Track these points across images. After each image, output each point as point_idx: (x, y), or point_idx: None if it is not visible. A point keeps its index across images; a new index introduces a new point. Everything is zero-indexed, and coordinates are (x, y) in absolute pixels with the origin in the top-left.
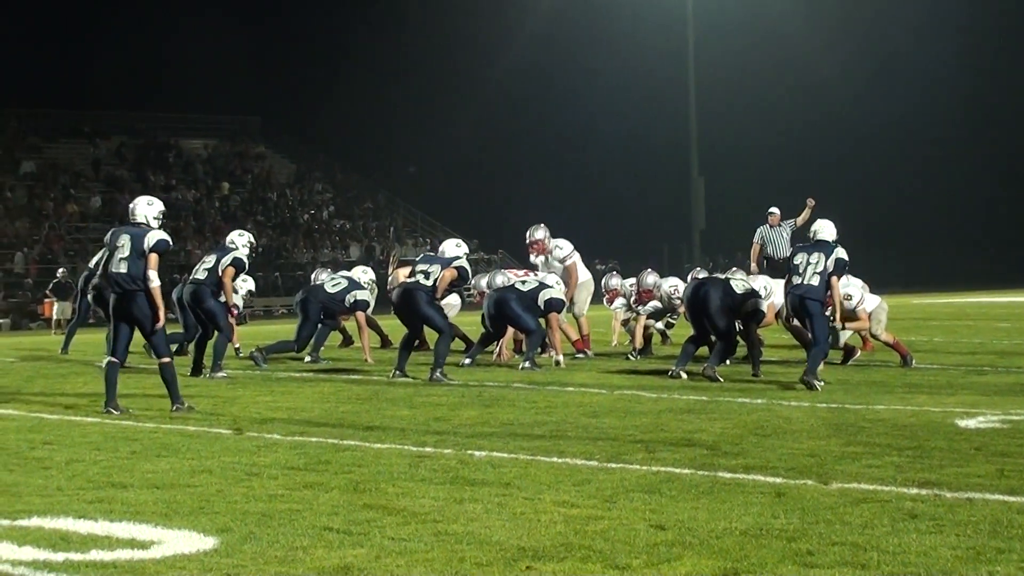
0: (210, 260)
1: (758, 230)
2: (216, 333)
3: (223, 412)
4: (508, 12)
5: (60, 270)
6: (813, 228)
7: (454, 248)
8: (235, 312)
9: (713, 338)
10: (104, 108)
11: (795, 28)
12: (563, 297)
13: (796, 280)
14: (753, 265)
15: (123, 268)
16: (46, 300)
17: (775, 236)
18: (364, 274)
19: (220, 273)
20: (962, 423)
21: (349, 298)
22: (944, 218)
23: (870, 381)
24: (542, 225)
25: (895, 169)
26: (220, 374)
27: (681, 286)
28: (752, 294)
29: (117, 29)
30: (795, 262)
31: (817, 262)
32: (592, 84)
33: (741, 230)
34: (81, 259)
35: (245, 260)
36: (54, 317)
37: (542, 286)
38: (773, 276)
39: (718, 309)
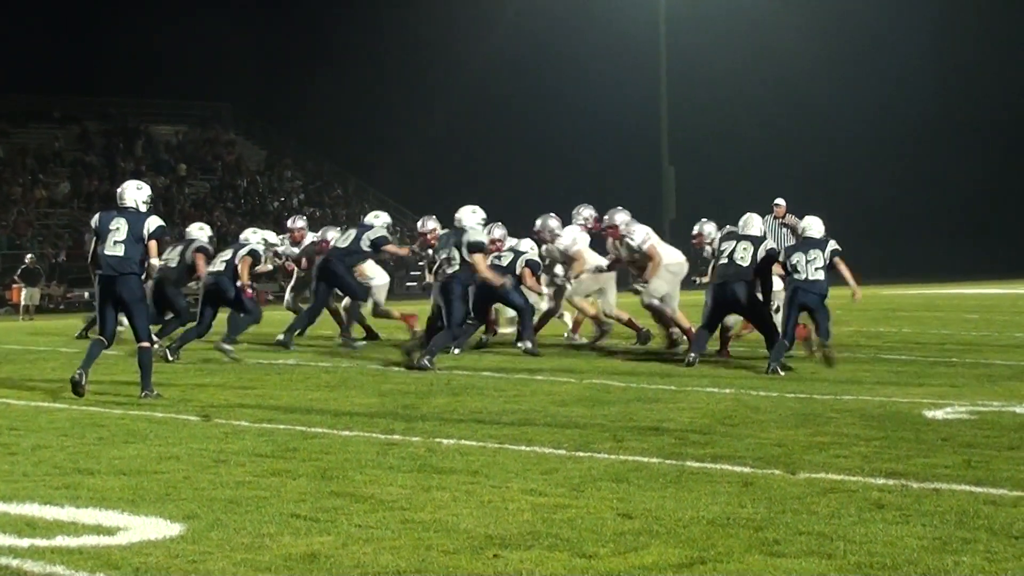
0: (227, 253)
1: (764, 219)
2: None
3: (191, 398)
4: (480, 2)
5: (28, 256)
6: (802, 226)
7: (470, 216)
8: (249, 293)
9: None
10: (73, 93)
11: (770, 16)
12: (538, 260)
13: (798, 278)
14: None
15: (119, 251)
16: (14, 286)
17: (778, 229)
18: (376, 218)
19: (237, 262)
20: (929, 414)
21: (364, 241)
22: (920, 209)
23: (837, 371)
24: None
25: (870, 159)
26: (229, 348)
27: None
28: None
29: (88, 13)
30: (792, 262)
31: (815, 259)
32: (563, 73)
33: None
34: (49, 244)
35: (261, 252)
36: (22, 303)
37: (517, 254)
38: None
39: (750, 304)
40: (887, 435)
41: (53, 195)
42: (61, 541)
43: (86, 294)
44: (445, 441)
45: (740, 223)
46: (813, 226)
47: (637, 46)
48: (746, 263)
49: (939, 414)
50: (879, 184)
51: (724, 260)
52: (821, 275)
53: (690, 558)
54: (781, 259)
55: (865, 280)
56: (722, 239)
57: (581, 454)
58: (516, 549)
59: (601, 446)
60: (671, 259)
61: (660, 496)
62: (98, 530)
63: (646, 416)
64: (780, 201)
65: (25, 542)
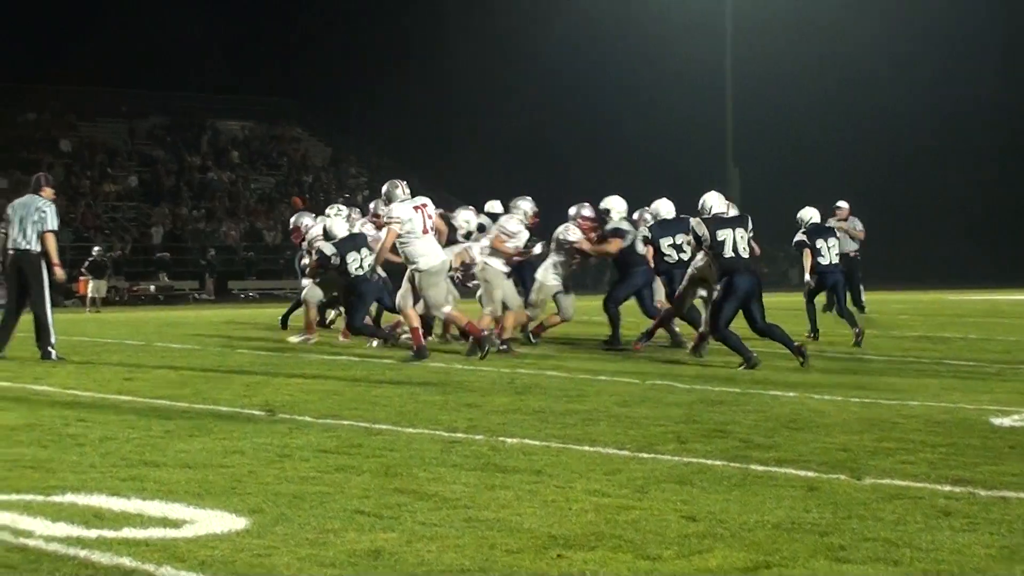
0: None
1: (827, 221)
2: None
3: (256, 393)
4: (549, 4)
5: (95, 248)
6: (808, 216)
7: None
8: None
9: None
10: (141, 87)
11: (837, 17)
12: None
13: (822, 261)
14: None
15: None
16: (81, 278)
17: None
18: None
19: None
20: (996, 421)
21: None
22: (985, 212)
23: (904, 377)
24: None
25: (938, 162)
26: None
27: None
28: None
29: (156, 8)
30: (817, 247)
31: (833, 245)
32: (628, 73)
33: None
34: (117, 238)
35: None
36: (89, 295)
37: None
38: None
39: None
40: (953, 441)
41: (121, 189)
42: (128, 533)
43: (152, 287)
44: (508, 440)
45: (710, 206)
46: (817, 214)
47: (703, 47)
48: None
49: (1006, 421)
50: (946, 187)
51: (729, 252)
52: (838, 259)
53: (755, 562)
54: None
55: (929, 284)
56: (712, 228)
57: (645, 455)
58: (579, 550)
59: (665, 447)
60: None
61: (724, 499)
62: (164, 522)
63: (710, 418)
64: (843, 204)
65: (93, 533)
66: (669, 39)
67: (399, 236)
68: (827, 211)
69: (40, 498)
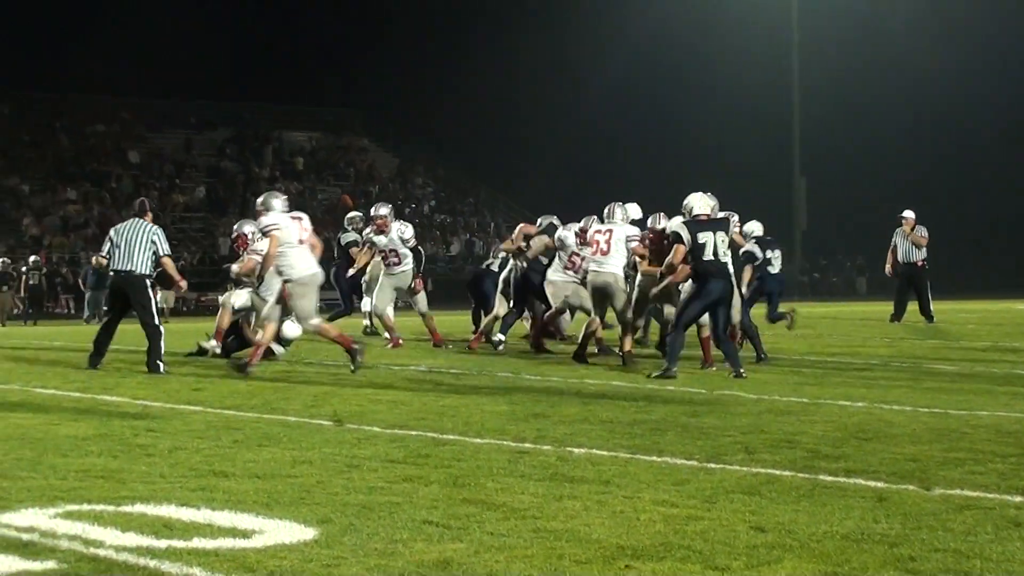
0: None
1: (895, 232)
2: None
3: (324, 403)
4: (616, 11)
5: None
6: (751, 230)
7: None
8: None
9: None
10: (209, 99)
11: (902, 26)
12: None
13: (772, 271)
14: (888, 268)
15: None
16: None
17: (905, 240)
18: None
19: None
20: None
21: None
22: None
23: (973, 387)
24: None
25: (1007, 171)
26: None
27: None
28: None
29: (223, 19)
30: (768, 257)
31: (778, 256)
32: (695, 85)
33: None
34: (185, 248)
35: None
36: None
37: None
38: (904, 281)
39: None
40: None
41: (189, 200)
42: (197, 543)
43: (219, 298)
44: (576, 450)
45: (691, 207)
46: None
47: (770, 55)
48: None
49: None
50: (1016, 195)
51: (708, 256)
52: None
53: (824, 573)
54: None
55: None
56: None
57: (713, 465)
58: (648, 560)
59: (733, 458)
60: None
61: (793, 510)
62: (233, 532)
63: (778, 428)
64: (909, 214)
65: (163, 543)
66: (735, 48)
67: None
68: (892, 219)
69: (110, 508)
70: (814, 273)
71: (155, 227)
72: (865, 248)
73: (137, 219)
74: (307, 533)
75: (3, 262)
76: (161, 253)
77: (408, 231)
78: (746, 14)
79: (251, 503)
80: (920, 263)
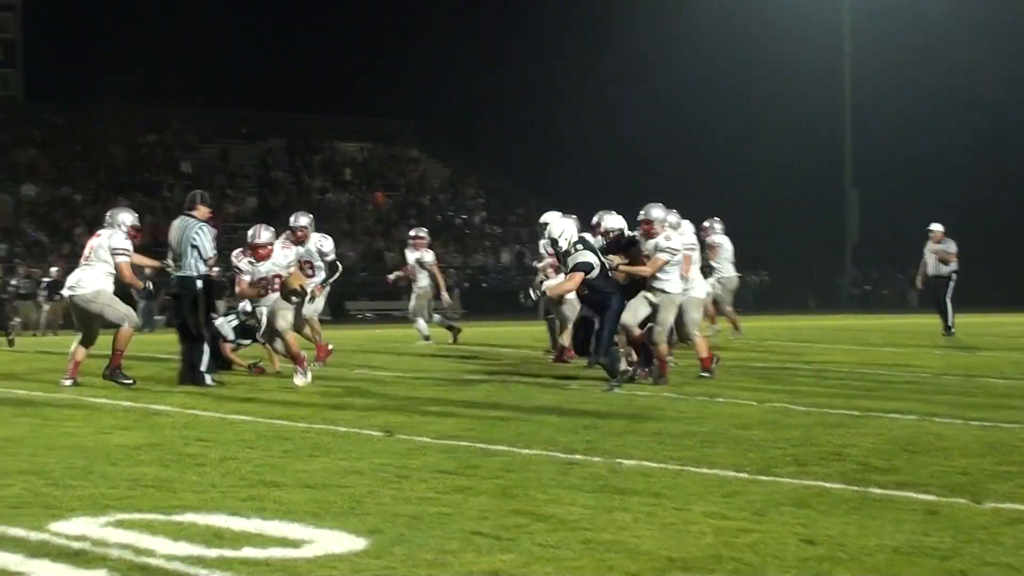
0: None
1: (925, 246)
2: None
3: (374, 414)
4: (668, 24)
5: (215, 269)
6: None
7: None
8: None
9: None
10: (260, 110)
11: (955, 36)
12: None
13: None
14: (918, 280)
15: None
16: None
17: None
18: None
19: None
20: None
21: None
22: None
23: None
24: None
25: None
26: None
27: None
28: None
29: (274, 32)
30: None
31: None
32: (746, 96)
33: (895, 243)
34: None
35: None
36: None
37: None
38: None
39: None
40: None
41: (241, 210)
42: (248, 552)
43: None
44: (626, 462)
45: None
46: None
47: (821, 65)
48: None
49: None
50: None
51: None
52: None
53: None
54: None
55: None
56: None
57: (763, 478)
58: (698, 572)
59: (783, 470)
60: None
61: (843, 522)
62: (284, 542)
63: (828, 440)
64: (937, 226)
65: (213, 552)
66: (786, 59)
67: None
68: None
69: (161, 517)
70: (865, 286)
71: (200, 224)
72: (918, 260)
73: (185, 216)
74: (357, 543)
75: (55, 271)
76: (204, 256)
77: (327, 244)
78: (797, 25)
79: (302, 513)
80: (948, 276)
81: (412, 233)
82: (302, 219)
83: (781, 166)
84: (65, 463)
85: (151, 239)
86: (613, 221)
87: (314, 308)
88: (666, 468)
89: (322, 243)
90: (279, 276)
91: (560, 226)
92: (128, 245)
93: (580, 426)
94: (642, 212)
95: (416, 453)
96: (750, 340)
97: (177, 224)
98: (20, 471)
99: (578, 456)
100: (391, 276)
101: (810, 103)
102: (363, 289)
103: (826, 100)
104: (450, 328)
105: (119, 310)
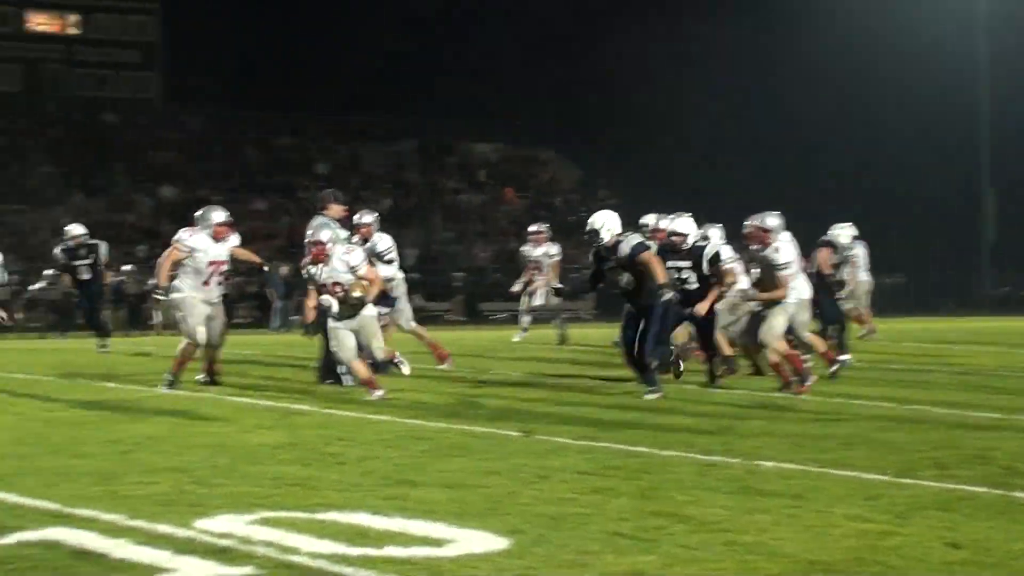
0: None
1: None
2: None
3: (511, 414)
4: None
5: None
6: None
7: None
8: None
9: None
10: (393, 112)
11: None
12: None
13: None
14: None
15: None
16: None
17: None
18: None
19: None
20: None
21: None
22: None
23: None
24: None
25: None
26: None
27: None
28: None
29: (410, 35)
30: None
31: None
32: (878, 93)
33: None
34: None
35: None
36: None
37: None
38: None
39: None
40: None
41: (377, 211)
42: (391, 551)
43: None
44: (765, 463)
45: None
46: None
47: (958, 62)
48: None
49: None
50: None
51: None
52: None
53: None
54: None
55: None
56: None
57: (905, 480)
58: (841, 575)
59: (925, 473)
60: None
61: (988, 527)
62: (426, 541)
63: (970, 443)
64: None
65: (356, 551)
66: (919, 56)
67: None
68: None
69: (304, 515)
70: (1004, 287)
71: (325, 220)
72: None
73: (318, 216)
74: (499, 543)
75: None
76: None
77: (383, 243)
78: (931, 20)
79: (443, 512)
80: None
81: (533, 229)
82: (366, 216)
83: (915, 167)
84: (208, 462)
85: (286, 240)
86: (682, 225)
87: (403, 316)
88: (807, 471)
89: (378, 243)
90: (339, 283)
91: (603, 217)
92: (196, 242)
93: (716, 427)
94: (755, 219)
95: (554, 454)
96: (886, 342)
97: (314, 223)
98: (166, 468)
99: (716, 457)
100: (516, 287)
101: (945, 103)
102: (496, 290)
103: (961, 99)
104: (562, 334)
105: (187, 325)
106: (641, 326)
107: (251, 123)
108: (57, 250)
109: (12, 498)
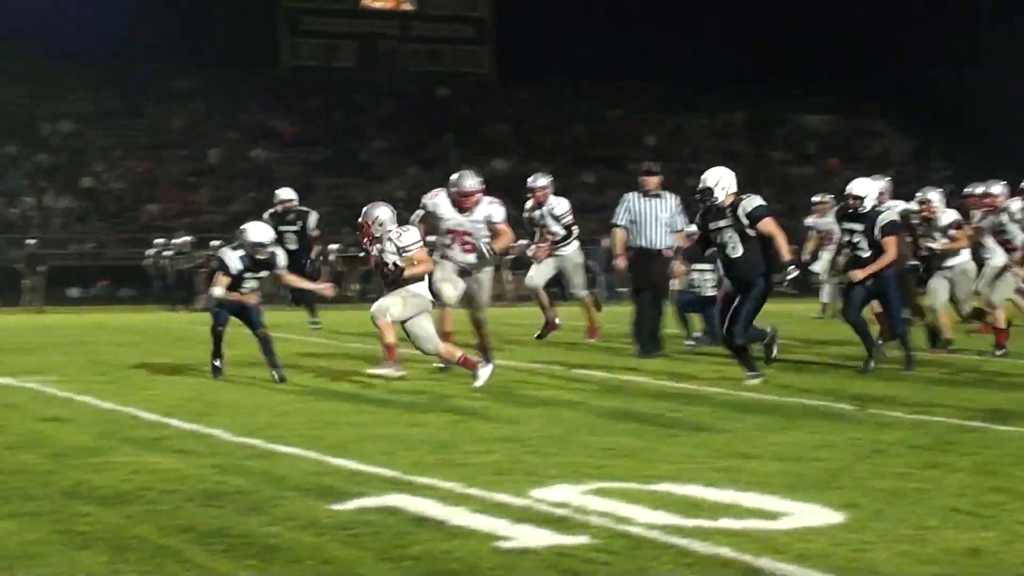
0: None
1: None
2: None
3: (846, 386)
4: None
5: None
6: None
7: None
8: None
9: None
10: (727, 84)
11: None
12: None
13: None
14: None
15: None
16: None
17: None
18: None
19: None
20: None
21: None
22: None
23: None
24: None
25: None
26: None
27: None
28: None
29: (744, 8)
30: None
31: None
32: None
33: None
34: None
35: None
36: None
37: None
38: None
39: None
40: None
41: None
42: (725, 523)
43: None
44: None
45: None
46: None
47: None
48: None
49: None
50: None
51: None
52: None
53: None
54: None
55: None
56: None
57: None
58: None
59: None
60: None
61: None
62: (760, 514)
63: None
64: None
65: (690, 522)
66: None
67: None
68: None
69: (637, 486)
70: None
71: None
72: None
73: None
74: (834, 517)
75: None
76: (674, 228)
77: (561, 207)
78: None
79: (776, 485)
80: None
81: (816, 199)
82: (541, 180)
83: None
84: (543, 432)
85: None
86: (860, 187)
87: (533, 276)
88: None
89: (555, 207)
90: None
91: (717, 174)
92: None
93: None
94: (980, 185)
95: (888, 428)
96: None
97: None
98: (499, 438)
99: None
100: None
101: None
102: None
103: None
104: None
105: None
106: (735, 303)
107: (580, 96)
108: (265, 215)
109: (352, 464)
